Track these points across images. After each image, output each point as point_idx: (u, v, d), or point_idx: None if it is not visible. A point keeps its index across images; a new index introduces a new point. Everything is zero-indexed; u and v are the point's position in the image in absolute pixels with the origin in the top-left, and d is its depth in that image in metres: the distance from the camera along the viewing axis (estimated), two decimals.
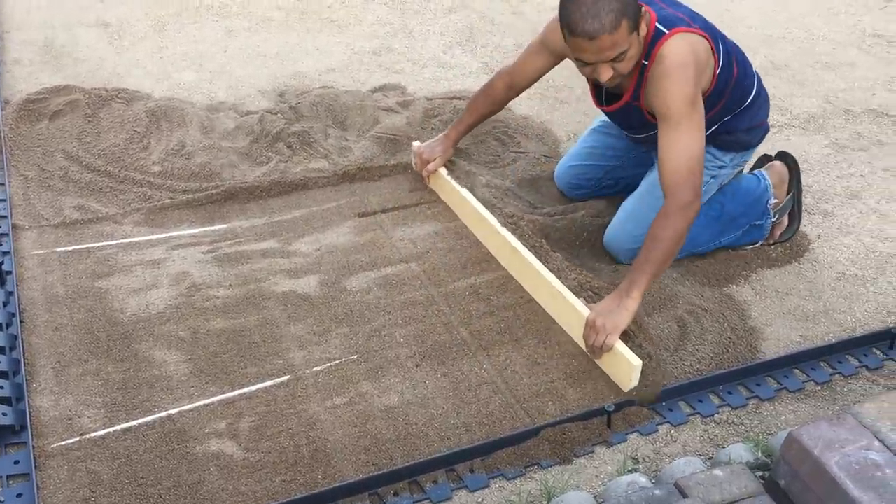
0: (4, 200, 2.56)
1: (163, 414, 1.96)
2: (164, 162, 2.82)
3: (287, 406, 2.01)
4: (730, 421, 2.10)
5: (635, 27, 2.12)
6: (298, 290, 2.36)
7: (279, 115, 3.13)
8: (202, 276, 2.38)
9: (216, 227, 2.58)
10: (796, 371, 2.26)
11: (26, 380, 1.98)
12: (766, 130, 2.61)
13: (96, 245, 2.45)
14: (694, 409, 2.12)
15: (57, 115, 2.97)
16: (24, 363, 2.02)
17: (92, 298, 2.26)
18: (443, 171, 2.78)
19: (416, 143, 2.87)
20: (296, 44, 3.84)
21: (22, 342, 2.08)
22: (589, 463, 1.97)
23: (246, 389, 2.05)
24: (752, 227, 2.66)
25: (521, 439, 1.96)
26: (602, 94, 2.46)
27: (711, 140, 2.45)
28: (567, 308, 2.26)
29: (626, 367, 2.10)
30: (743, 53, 2.47)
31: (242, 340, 2.18)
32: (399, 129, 3.08)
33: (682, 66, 2.17)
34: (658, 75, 2.19)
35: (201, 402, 2.00)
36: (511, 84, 2.65)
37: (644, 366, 2.10)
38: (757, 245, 2.71)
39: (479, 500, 1.86)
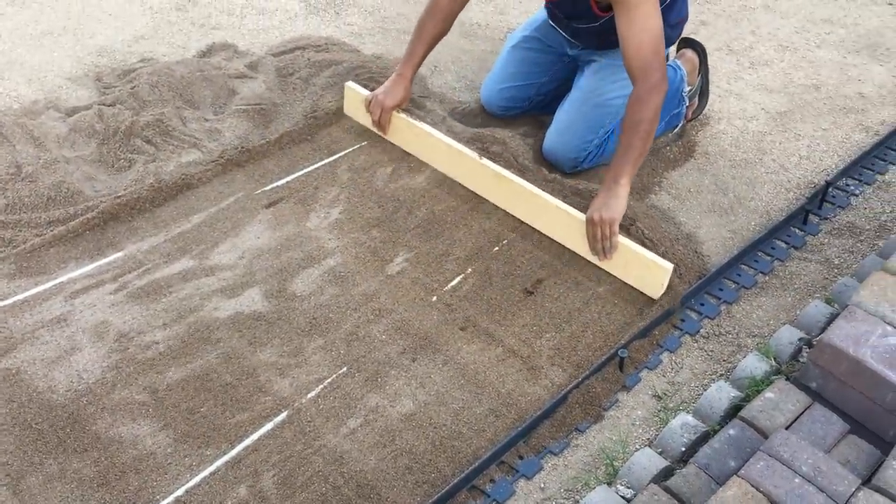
0: None
1: (170, 499, 1.67)
2: (4, 192, 2.32)
3: (303, 446, 1.79)
4: (715, 333, 2.18)
5: None
6: (244, 309, 2.08)
7: (118, 105, 2.66)
8: (126, 322, 2.02)
9: (111, 259, 2.19)
10: (743, 267, 2.37)
11: None
12: (685, 24, 2.66)
13: None
14: (681, 329, 2.17)
15: None
16: None
17: (6, 385, 1.85)
18: (402, 114, 2.62)
19: (353, 85, 2.72)
20: (80, 11, 3.27)
21: None
22: (620, 413, 1.96)
23: (247, 441, 1.79)
24: (671, 116, 2.75)
25: (552, 410, 1.90)
26: None
27: None
28: (570, 221, 2.28)
29: (656, 272, 2.17)
30: None
31: (213, 385, 1.90)
32: (262, 96, 2.76)
33: None
34: None
35: (206, 472, 1.72)
36: None
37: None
38: (676, 131, 2.81)
39: (542, 485, 1.79)
